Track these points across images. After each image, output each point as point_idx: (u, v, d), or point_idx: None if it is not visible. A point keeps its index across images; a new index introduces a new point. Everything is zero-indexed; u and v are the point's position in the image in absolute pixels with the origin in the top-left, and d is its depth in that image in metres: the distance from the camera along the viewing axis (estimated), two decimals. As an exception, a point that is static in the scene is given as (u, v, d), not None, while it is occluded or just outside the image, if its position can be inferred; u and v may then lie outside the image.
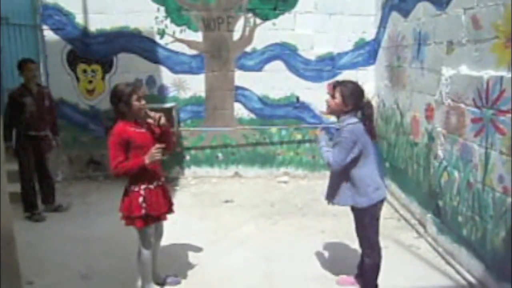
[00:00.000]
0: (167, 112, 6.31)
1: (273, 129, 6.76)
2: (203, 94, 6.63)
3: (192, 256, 4.25)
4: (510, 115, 3.15)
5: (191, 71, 6.56)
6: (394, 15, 5.60)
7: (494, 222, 3.36)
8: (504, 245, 3.25)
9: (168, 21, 6.41)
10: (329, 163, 3.13)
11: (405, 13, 5.20)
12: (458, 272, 3.81)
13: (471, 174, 3.66)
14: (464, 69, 3.78)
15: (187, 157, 6.82)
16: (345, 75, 6.49)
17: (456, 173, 3.92)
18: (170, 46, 6.48)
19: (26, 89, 5.10)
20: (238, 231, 4.88)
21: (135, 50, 6.48)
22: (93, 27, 6.43)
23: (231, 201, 5.87)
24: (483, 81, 3.47)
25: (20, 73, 5.08)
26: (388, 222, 4.96)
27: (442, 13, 4.23)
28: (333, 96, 3.19)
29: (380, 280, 3.40)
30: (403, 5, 5.27)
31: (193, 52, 6.51)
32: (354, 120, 3.13)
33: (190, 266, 4.06)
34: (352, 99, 3.12)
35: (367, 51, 6.56)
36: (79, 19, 6.41)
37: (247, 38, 6.50)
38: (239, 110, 6.70)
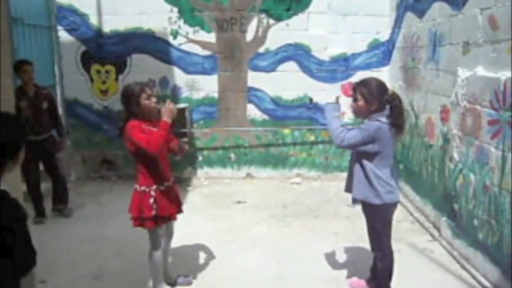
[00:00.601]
0: (180, 112, 6.34)
1: (286, 130, 6.73)
2: (216, 95, 6.63)
3: (203, 257, 4.24)
4: (528, 117, 3.08)
5: (204, 72, 6.56)
6: (409, 15, 5.53)
7: (511, 226, 3.29)
8: (521, 250, 3.18)
9: (181, 22, 6.42)
10: (339, 138, 3.04)
11: (420, 14, 5.13)
12: (473, 277, 3.73)
13: (488, 177, 3.59)
14: (480, 70, 3.71)
15: (200, 158, 6.82)
16: (359, 76, 6.41)
17: (472, 176, 3.85)
18: (183, 47, 6.50)
19: (22, 92, 4.89)
20: (250, 232, 4.85)
21: (149, 50, 6.51)
22: (107, 28, 6.48)
23: (244, 202, 5.85)
24: (500, 83, 3.40)
25: (16, 75, 4.87)
26: (402, 225, 4.91)
27: (458, 13, 4.16)
28: (355, 99, 3.11)
29: (393, 285, 3.36)
30: (418, 5, 5.20)
31: (206, 52, 6.51)
32: (384, 119, 3.02)
33: (202, 267, 4.05)
34: (375, 97, 3.02)
35: (381, 52, 6.49)
36: (93, 20, 6.46)
37: (260, 39, 6.48)
38: (252, 111, 6.68)
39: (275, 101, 6.64)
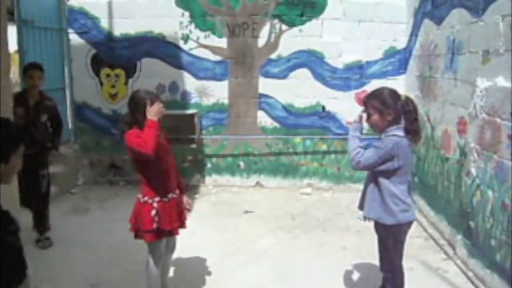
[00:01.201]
0: (189, 118, 6.23)
1: (297, 139, 6.55)
2: (226, 101, 6.50)
3: (206, 269, 4.08)
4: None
5: (214, 78, 6.44)
6: (427, 22, 5.33)
7: (532, 249, 3.06)
8: (542, 275, 2.95)
9: (192, 26, 6.32)
10: (355, 160, 2.86)
11: (438, 21, 4.93)
12: (489, 301, 3.50)
13: (507, 195, 3.36)
14: (501, 81, 3.49)
15: (208, 165, 6.68)
16: (374, 84, 6.21)
17: (490, 193, 3.62)
18: (194, 52, 6.39)
19: (23, 98, 4.43)
20: (255, 244, 4.68)
21: (159, 55, 6.41)
22: (117, 32, 6.41)
23: (251, 211, 5.68)
24: (522, 94, 3.19)
25: (23, 78, 4.62)
26: (415, 241, 4.67)
27: (478, 21, 3.94)
28: (368, 114, 2.93)
29: (403, 306, 3.15)
30: (436, 12, 5.00)
31: (217, 58, 6.39)
32: (401, 133, 2.83)
33: (203, 279, 3.90)
34: (390, 106, 2.83)
35: (397, 60, 6.29)
36: (104, 23, 6.40)
37: (272, 45, 6.33)
38: (263, 118, 6.52)
39: (287, 108, 6.47)
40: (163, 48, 6.40)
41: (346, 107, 6.34)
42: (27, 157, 4.02)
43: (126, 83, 6.53)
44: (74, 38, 6.48)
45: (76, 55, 6.52)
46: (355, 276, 4.00)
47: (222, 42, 6.35)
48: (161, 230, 3.09)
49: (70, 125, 6.74)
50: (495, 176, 3.54)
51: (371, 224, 3.18)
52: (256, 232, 5.01)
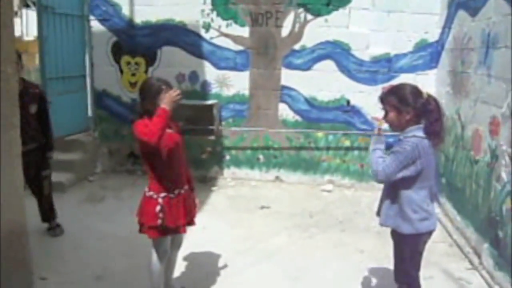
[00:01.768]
0: (208, 109, 6.09)
1: (320, 134, 6.30)
2: (246, 92, 6.31)
3: (215, 267, 3.94)
4: None
5: (235, 68, 6.25)
6: (461, 13, 4.97)
7: None
8: None
9: (214, 15, 6.13)
10: (376, 171, 2.63)
11: (473, 12, 4.58)
12: (516, 319, 3.22)
13: (540, 205, 3.06)
14: (539, 79, 3.18)
15: (227, 157, 6.53)
16: (402, 78, 5.91)
17: (521, 201, 3.33)
18: (215, 41, 6.21)
19: None
20: (269, 242, 4.51)
21: (179, 43, 6.27)
22: (138, 19, 6.30)
23: (268, 207, 5.51)
24: (562, 94, 2.87)
25: None
26: (438, 247, 4.39)
27: (516, 12, 3.61)
28: (386, 112, 2.70)
29: (419, 320, 2.91)
30: (472, 2, 4.64)
31: (239, 47, 6.19)
32: (421, 133, 2.60)
33: (211, 278, 3.76)
34: (409, 104, 2.59)
35: (428, 53, 5.93)
36: (125, 11, 6.30)
37: (296, 35, 6.08)
38: (284, 111, 6.30)
39: (309, 101, 6.23)
40: (183, 37, 6.25)
41: (372, 102, 5.95)
42: (25, 155, 3.51)
43: (146, 71, 6.42)
44: (95, 25, 6.40)
45: (97, 43, 6.45)
46: (371, 282, 3.78)
47: (244, 31, 6.15)
48: (165, 227, 2.95)
49: (90, 113, 6.70)
50: (528, 183, 3.24)
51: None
52: (271, 229, 4.83)
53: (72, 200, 5.51)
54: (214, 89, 6.34)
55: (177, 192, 2.99)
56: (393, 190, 2.68)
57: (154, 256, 3.09)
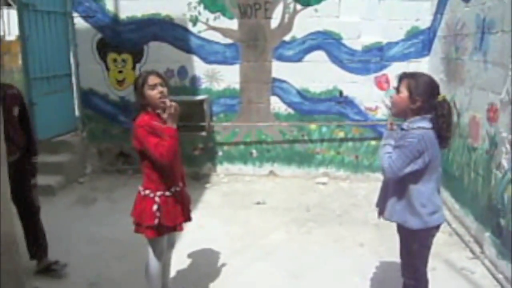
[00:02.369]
0: (199, 105, 5.96)
1: (313, 126, 6.20)
2: (237, 86, 6.18)
3: (212, 267, 3.85)
4: None
5: (225, 61, 6.11)
6: (454, -1, 4.89)
7: None
8: None
9: (201, 8, 5.98)
10: (383, 168, 2.55)
11: (467, -3, 4.50)
12: (522, 308, 3.17)
13: (544, 192, 3.00)
14: (539, 63, 3.10)
15: (220, 153, 6.41)
16: (395, 67, 5.84)
17: (524, 189, 3.26)
18: (203, 35, 6.06)
19: None
20: (266, 239, 4.42)
21: (167, 38, 6.11)
22: (123, 14, 6.12)
23: (263, 203, 5.41)
24: None
25: None
26: (438, 236, 4.18)
27: (513, -5, 3.53)
28: (398, 90, 2.59)
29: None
30: (465, -13, 4.57)
31: (228, 41, 6.05)
32: (427, 124, 2.50)
33: (208, 279, 3.66)
34: (421, 95, 2.49)
35: (420, 41, 5.85)
36: (109, 6, 6.11)
37: (286, 26, 5.95)
38: (276, 104, 6.18)
39: (302, 93, 6.12)
40: (171, 31, 6.09)
41: (365, 92, 5.96)
42: (12, 165, 3.22)
43: (133, 68, 6.26)
44: (78, 22, 6.21)
45: (82, 40, 6.26)
46: (373, 276, 3.70)
47: (233, 24, 6.01)
48: (163, 226, 2.87)
49: (77, 112, 6.53)
50: (531, 171, 3.17)
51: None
52: (268, 225, 4.74)
53: (62, 203, 5.37)
54: (204, 84, 6.21)
55: (173, 189, 2.91)
56: (400, 184, 2.58)
57: (152, 258, 3.00)
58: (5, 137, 3.03)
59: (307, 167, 6.32)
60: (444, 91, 5.06)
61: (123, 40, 6.20)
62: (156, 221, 2.82)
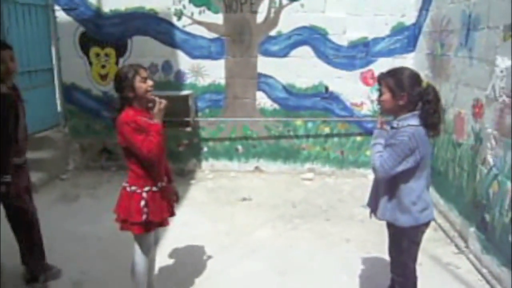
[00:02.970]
0: (183, 100, 5.89)
1: (298, 121, 6.18)
2: (222, 82, 6.12)
3: (197, 265, 3.79)
4: None
5: (210, 56, 6.05)
6: (439, -5, 4.91)
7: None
8: None
9: (186, 1, 5.90)
10: (375, 168, 2.52)
11: (452, -7, 4.51)
12: (506, 303, 3.20)
13: (529, 188, 3.02)
14: (525, 59, 3.12)
15: (205, 149, 6.35)
16: (380, 63, 5.85)
17: (509, 184, 3.28)
18: (188, 29, 5.99)
19: None
20: (252, 236, 4.39)
21: (151, 32, 6.03)
22: (106, 8, 6.01)
23: (249, 199, 5.38)
24: (550, 75, 2.81)
25: None
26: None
27: (498, -8, 3.54)
28: (380, 93, 2.58)
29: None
30: (450, -17, 4.58)
31: (213, 35, 5.98)
32: (416, 122, 2.47)
33: (194, 277, 3.61)
34: (405, 90, 2.47)
35: (406, 37, 5.86)
36: (92, -1, 6.01)
37: (272, 21, 5.91)
38: (262, 100, 6.15)
39: (287, 89, 6.09)
40: (155, 25, 6.00)
41: (351, 87, 5.96)
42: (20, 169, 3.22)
43: (116, 62, 6.15)
44: (60, 15, 6.08)
45: (64, 34, 6.14)
46: (360, 272, 3.69)
47: (218, 18, 5.94)
48: (150, 222, 2.82)
49: (59, 108, 6.40)
50: (516, 166, 3.20)
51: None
52: (254, 222, 4.71)
53: (44, 201, 5.21)
54: (189, 79, 6.14)
55: (160, 185, 2.87)
56: (391, 182, 2.56)
57: (138, 255, 2.94)
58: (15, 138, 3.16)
59: (293, 163, 6.30)
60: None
61: (106, 34, 6.09)
62: (144, 217, 2.78)
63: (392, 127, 2.58)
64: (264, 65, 6.03)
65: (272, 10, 5.88)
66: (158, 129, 2.72)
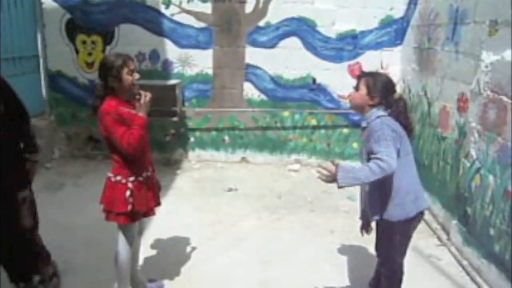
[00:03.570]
0: (170, 89, 5.85)
1: (286, 113, 6.19)
2: (210, 72, 6.09)
3: (182, 255, 3.80)
4: None
5: (198, 46, 6.00)
6: (427, -11, 4.92)
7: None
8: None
9: (174, -11, 5.86)
10: (381, 171, 2.31)
11: (440, -13, 4.53)
12: (485, 294, 3.26)
13: (510, 182, 3.07)
14: (509, 55, 3.14)
15: (192, 139, 6.33)
16: (368, 55, 5.88)
17: (491, 178, 3.33)
18: (176, 18, 5.93)
19: None
20: (237, 226, 4.40)
21: (138, 20, 5.95)
22: (93, -6, 5.94)
23: (235, 189, 5.38)
24: (533, 70, 2.85)
25: None
26: None
27: (485, -13, 3.56)
28: (356, 88, 2.66)
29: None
30: (439, -23, 4.59)
31: (201, 24, 5.94)
32: (382, 113, 2.57)
33: (178, 266, 3.61)
34: (379, 92, 2.60)
35: (394, 30, 5.87)
36: (78, -15, 5.91)
37: (260, 11, 5.88)
38: (249, 90, 6.14)
39: (275, 80, 6.08)
40: (143, 13, 5.93)
41: (338, 79, 5.97)
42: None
43: (103, 50, 6.07)
44: (46, 1, 5.97)
45: (49, 20, 6.04)
46: (343, 263, 3.73)
47: (207, 7, 5.89)
48: (135, 212, 2.80)
49: (44, 95, 6.31)
50: (498, 161, 3.24)
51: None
52: (239, 212, 4.73)
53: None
54: (176, 69, 6.10)
55: (145, 175, 2.85)
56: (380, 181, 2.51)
57: (122, 244, 2.92)
58: None
59: (279, 154, 6.32)
60: (416, 81, 5.16)
61: (93, 21, 6.00)
62: (129, 207, 2.76)
63: (363, 128, 2.66)
64: (252, 55, 6.01)
65: (261, 0, 5.85)
66: (142, 122, 2.67)
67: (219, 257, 3.77)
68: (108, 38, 6.05)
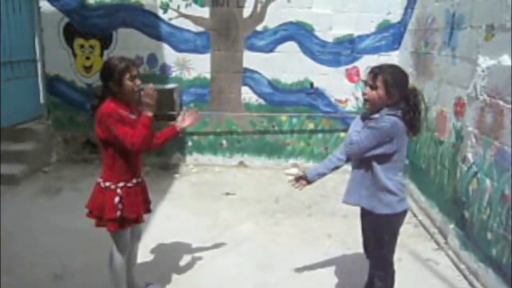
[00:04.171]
0: (168, 94, 5.84)
1: (283, 117, 6.20)
2: (208, 76, 6.10)
3: (180, 259, 3.79)
4: None
5: (196, 50, 6.02)
6: (424, -6, 4.95)
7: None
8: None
9: (172, -6, 5.87)
10: (351, 142, 2.53)
11: (437, -8, 4.55)
12: (483, 298, 3.26)
13: (507, 186, 3.07)
14: (505, 60, 3.16)
15: (189, 143, 6.34)
16: (365, 60, 5.90)
17: (488, 182, 3.34)
18: (174, 22, 5.95)
19: None
20: (235, 231, 4.40)
21: (136, 25, 5.97)
22: (91, -2, 5.95)
23: (233, 193, 5.38)
24: (529, 75, 2.86)
25: None
26: (405, 228, 4.33)
27: (481, -8, 3.58)
28: (372, 87, 2.53)
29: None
30: (435, -18, 4.62)
31: (199, 29, 5.96)
32: (399, 113, 2.49)
33: (176, 271, 3.61)
34: (397, 88, 2.48)
35: (391, 35, 5.90)
36: (76, -11, 5.93)
37: (258, 16, 5.90)
38: (247, 95, 6.15)
39: (273, 84, 6.10)
40: (140, 18, 5.95)
41: (336, 84, 6.00)
42: None
43: (101, 54, 6.09)
44: (44, 5, 6.00)
45: (47, 24, 6.06)
46: (340, 267, 3.73)
47: (205, 12, 5.91)
48: (125, 219, 2.78)
49: (42, 100, 6.31)
50: (495, 164, 3.25)
51: (358, 209, 2.88)
52: (237, 217, 4.72)
53: (26, 193, 5.20)
54: (174, 73, 6.11)
55: (134, 181, 2.82)
56: (366, 170, 2.60)
57: (115, 252, 2.92)
58: None
59: (277, 158, 6.33)
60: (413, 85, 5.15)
61: (91, 25, 6.02)
62: (118, 213, 2.73)
63: (370, 119, 2.58)
64: (250, 60, 6.03)
65: (259, 5, 5.87)
66: (146, 122, 2.63)
67: (216, 261, 3.76)
68: (106, 42, 6.07)
